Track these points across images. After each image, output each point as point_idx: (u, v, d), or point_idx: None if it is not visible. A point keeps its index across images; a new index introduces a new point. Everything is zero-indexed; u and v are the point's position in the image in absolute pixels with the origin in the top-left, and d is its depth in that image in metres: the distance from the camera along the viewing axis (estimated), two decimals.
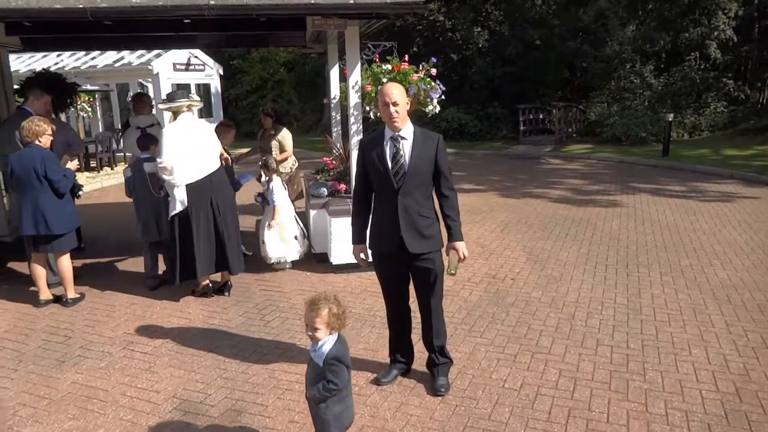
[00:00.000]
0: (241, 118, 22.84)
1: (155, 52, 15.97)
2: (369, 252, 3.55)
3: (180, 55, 15.91)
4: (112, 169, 13.96)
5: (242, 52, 23.93)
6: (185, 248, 5.10)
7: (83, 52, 17.61)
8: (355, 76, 5.80)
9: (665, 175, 12.52)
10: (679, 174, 12.59)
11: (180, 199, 5.03)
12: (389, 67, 5.82)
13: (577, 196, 10.27)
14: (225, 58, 24.20)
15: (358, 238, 3.55)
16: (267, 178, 6.25)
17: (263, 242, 6.07)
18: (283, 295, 5.39)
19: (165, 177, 5.05)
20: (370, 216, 3.51)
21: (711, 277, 5.76)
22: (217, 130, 5.80)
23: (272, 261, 6.08)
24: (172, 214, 5.08)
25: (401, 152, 3.31)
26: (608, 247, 6.90)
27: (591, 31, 20.24)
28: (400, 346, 3.72)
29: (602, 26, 19.80)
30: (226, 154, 5.76)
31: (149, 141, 5.90)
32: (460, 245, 3.43)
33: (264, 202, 6.26)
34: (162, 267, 5.82)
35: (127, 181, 5.82)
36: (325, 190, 6.20)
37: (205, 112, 17.44)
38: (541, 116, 19.92)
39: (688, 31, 20.64)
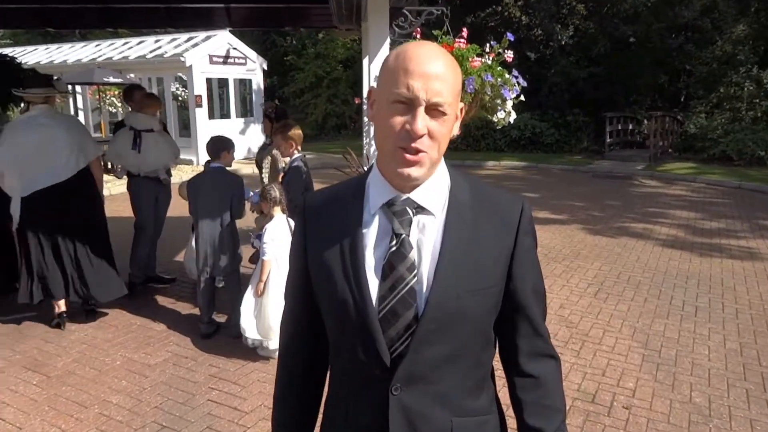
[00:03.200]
0: (294, 117, 21.12)
1: (192, 41, 14.37)
2: None
3: (218, 46, 14.22)
4: None
5: (297, 47, 22.23)
6: (28, 267, 4.41)
7: (121, 42, 16.34)
8: (381, 60, 3.64)
9: None
10: None
11: (12, 213, 4.28)
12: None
13: (693, 237, 7.67)
14: (280, 53, 22.62)
15: None
16: (263, 214, 4.23)
17: (239, 311, 4.00)
18: (237, 419, 3.27)
19: None
20: (320, 408, 1.33)
21: None
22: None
23: (249, 343, 3.99)
24: (15, 227, 4.38)
25: (410, 254, 1.13)
26: None
27: (696, 27, 17.16)
28: None
29: (711, 23, 16.70)
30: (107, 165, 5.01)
31: (222, 145, 4.42)
32: None
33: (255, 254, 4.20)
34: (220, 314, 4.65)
35: (191, 196, 4.38)
36: None
37: (248, 111, 15.74)
38: (630, 127, 17.05)
39: None
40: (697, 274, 6.03)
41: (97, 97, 14.04)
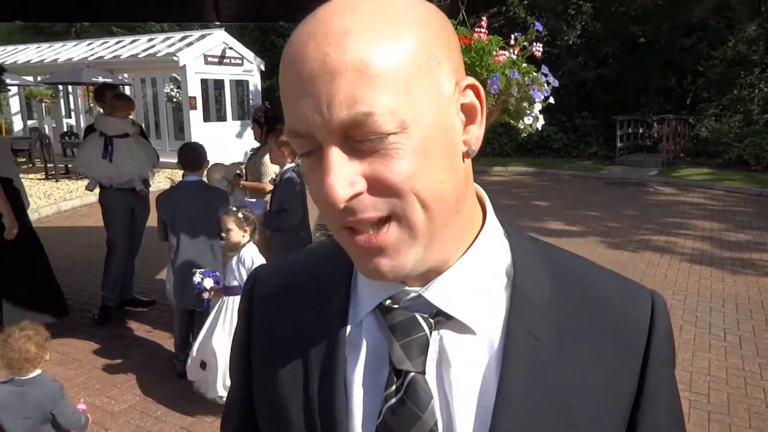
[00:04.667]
0: None
1: (186, 41, 13.82)
2: None
3: (214, 45, 13.65)
4: None
5: None
6: None
7: (114, 41, 15.81)
8: None
9: None
10: None
11: None
12: None
13: (721, 251, 7.08)
14: (279, 54, 22.04)
15: None
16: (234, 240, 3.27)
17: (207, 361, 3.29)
18: None
19: None
20: None
21: None
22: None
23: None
24: None
25: (426, 413, 0.57)
26: None
27: (708, 27, 16.60)
28: None
29: (725, 20, 16.15)
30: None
31: (203, 154, 3.78)
32: None
33: (217, 293, 3.25)
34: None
35: (162, 217, 3.69)
36: None
37: (246, 114, 15.18)
38: (640, 130, 16.47)
39: None
40: (733, 296, 5.45)
41: (88, 97, 13.48)
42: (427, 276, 0.58)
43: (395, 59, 0.50)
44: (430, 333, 0.58)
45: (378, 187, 0.52)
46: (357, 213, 0.52)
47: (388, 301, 0.60)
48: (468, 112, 0.57)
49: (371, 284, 0.62)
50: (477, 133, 0.58)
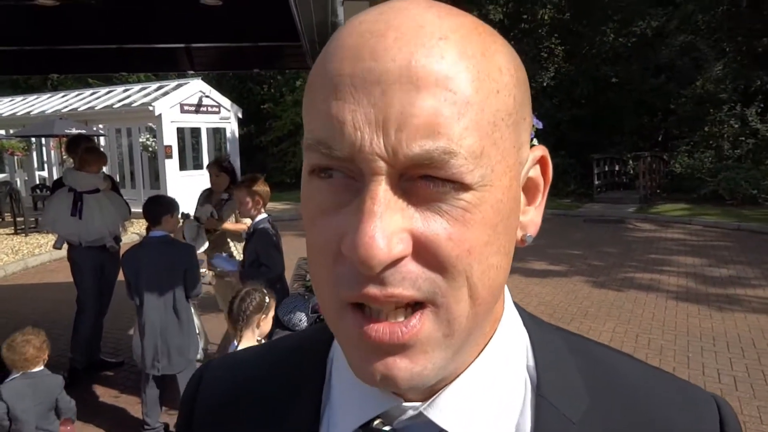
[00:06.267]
0: (272, 166, 20.62)
1: (162, 90, 13.79)
2: None
3: (190, 94, 13.63)
4: None
5: (274, 95, 21.85)
6: None
7: (89, 92, 15.72)
8: None
9: None
10: None
11: None
12: None
13: (705, 287, 7.03)
14: (257, 102, 22.19)
15: None
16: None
17: None
18: None
19: None
20: None
21: None
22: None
23: None
24: None
25: None
26: None
27: (677, 67, 17.11)
28: None
29: (692, 61, 16.67)
30: None
31: (162, 208, 3.58)
32: None
33: None
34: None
35: (127, 276, 3.50)
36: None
37: None
38: (616, 168, 16.71)
39: None
40: (723, 335, 5.34)
41: (60, 150, 13.28)
42: (432, 387, 0.43)
43: (490, 91, 0.38)
44: None
45: (425, 254, 0.37)
46: (388, 285, 0.37)
47: (377, 421, 0.45)
48: (531, 189, 0.46)
49: (353, 395, 0.46)
50: (536, 218, 0.46)
